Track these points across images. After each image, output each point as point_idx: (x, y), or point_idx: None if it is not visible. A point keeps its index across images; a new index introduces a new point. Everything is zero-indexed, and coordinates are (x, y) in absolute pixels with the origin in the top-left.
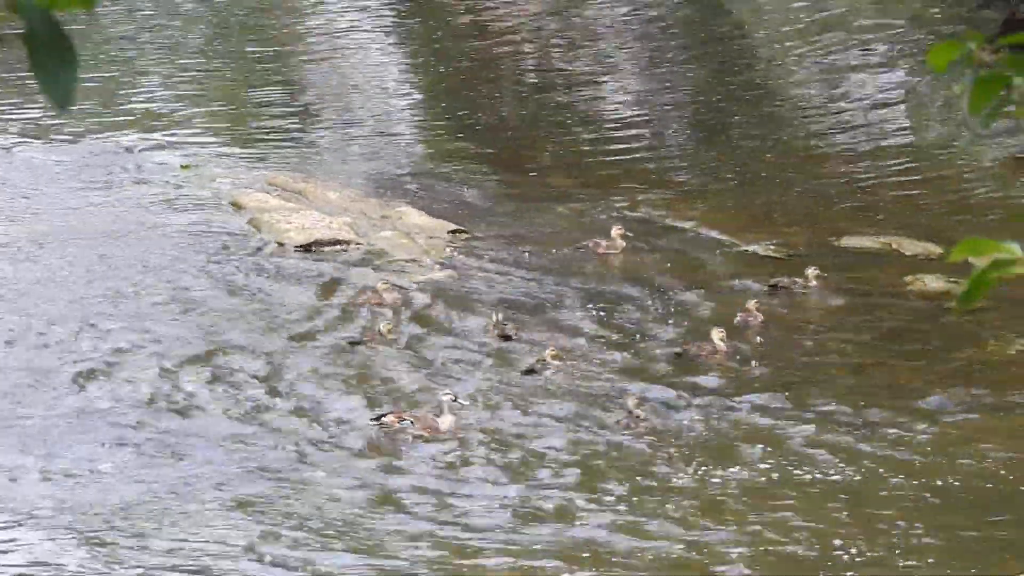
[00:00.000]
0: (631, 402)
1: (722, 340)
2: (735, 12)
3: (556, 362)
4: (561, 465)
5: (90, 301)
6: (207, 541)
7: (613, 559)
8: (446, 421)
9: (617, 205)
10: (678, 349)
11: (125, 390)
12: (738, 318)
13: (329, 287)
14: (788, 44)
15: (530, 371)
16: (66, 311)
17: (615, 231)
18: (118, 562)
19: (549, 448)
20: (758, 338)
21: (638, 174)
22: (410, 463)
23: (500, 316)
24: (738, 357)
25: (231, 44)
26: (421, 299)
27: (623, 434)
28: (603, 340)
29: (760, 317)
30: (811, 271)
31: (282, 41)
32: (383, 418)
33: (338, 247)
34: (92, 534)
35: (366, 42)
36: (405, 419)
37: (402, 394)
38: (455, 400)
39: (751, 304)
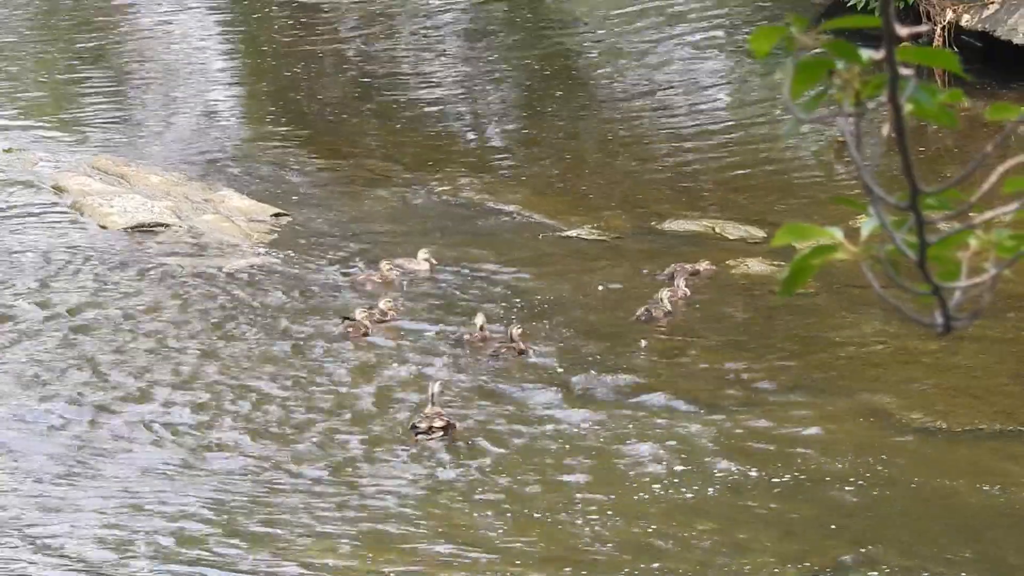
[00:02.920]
0: (515, 331)
1: (670, 301)
2: None
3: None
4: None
5: None
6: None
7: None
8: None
9: (439, 189)
10: (641, 313)
11: None
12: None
13: (153, 271)
14: (611, 28)
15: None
16: None
17: (421, 254)
18: None
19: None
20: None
21: (460, 158)
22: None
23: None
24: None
25: (53, 27)
26: (243, 282)
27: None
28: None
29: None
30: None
31: (105, 25)
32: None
33: (159, 230)
34: None
35: (188, 26)
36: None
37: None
38: (442, 391)
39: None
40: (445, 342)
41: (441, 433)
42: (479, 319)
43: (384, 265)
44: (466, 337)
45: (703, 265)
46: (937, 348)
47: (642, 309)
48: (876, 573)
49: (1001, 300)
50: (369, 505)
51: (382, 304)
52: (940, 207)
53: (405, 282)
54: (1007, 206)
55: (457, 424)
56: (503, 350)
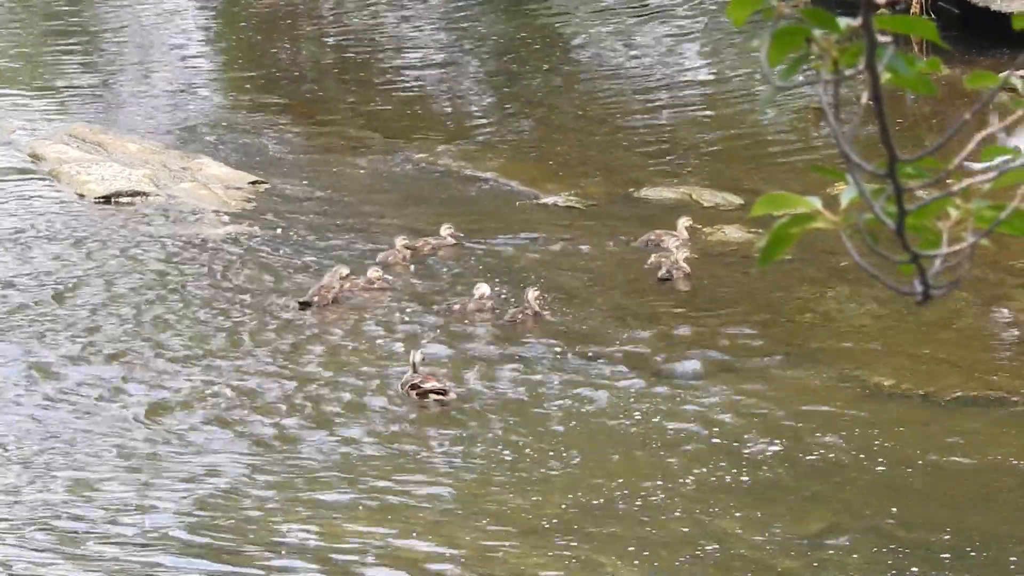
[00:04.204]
0: (531, 294)
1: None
2: None
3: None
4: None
5: None
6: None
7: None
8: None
9: (416, 156)
10: (663, 273)
11: None
12: (663, 271)
13: (129, 239)
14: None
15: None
16: None
17: (444, 231)
18: None
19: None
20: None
21: (437, 125)
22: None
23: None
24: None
25: None
26: (221, 250)
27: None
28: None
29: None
30: (683, 221)
31: None
32: (419, 388)
33: (137, 198)
34: None
35: None
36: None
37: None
38: (424, 359)
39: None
40: (433, 311)
41: (441, 396)
42: (481, 288)
43: (400, 242)
44: (455, 307)
45: (685, 222)
46: (918, 316)
47: (663, 270)
48: (858, 541)
49: (981, 269)
50: (371, 481)
51: (370, 272)
52: (918, 175)
53: (410, 264)
54: (985, 175)
55: (450, 391)
56: (520, 315)
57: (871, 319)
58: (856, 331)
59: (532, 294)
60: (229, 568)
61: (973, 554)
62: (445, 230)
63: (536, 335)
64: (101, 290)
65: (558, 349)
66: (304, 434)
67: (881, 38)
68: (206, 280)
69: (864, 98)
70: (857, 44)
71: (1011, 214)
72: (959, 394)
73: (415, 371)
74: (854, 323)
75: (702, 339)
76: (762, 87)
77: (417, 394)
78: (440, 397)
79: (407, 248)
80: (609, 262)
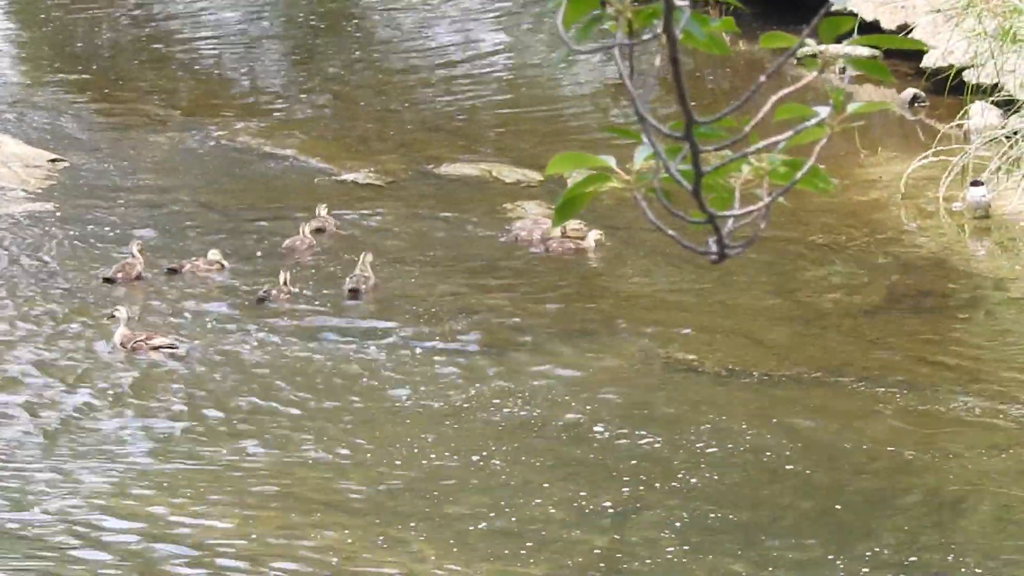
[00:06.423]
0: (282, 276)
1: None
2: None
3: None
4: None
5: None
6: None
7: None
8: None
9: (216, 134)
10: (507, 238)
11: None
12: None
13: None
14: None
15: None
16: None
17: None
18: None
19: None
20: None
21: (236, 102)
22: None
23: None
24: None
25: None
26: (19, 228)
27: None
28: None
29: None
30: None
31: None
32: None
33: None
34: None
35: None
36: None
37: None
38: (129, 318)
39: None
40: (240, 295)
41: (171, 350)
42: (283, 275)
43: (307, 227)
44: (272, 292)
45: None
46: (716, 290)
47: (511, 235)
48: (662, 517)
49: (779, 243)
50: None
51: (210, 255)
52: (713, 136)
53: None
54: (781, 135)
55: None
56: (361, 284)
57: (670, 294)
58: (656, 306)
59: (368, 257)
60: None
61: (772, 528)
62: (323, 210)
63: (335, 313)
64: None
65: (358, 326)
66: (92, 412)
67: (678, 1)
68: (3, 259)
69: (659, 60)
70: (652, 6)
71: (808, 171)
72: (762, 370)
73: (128, 329)
74: (654, 297)
75: (504, 314)
76: (555, 56)
77: (148, 350)
78: (171, 351)
79: (317, 231)
80: (411, 239)
